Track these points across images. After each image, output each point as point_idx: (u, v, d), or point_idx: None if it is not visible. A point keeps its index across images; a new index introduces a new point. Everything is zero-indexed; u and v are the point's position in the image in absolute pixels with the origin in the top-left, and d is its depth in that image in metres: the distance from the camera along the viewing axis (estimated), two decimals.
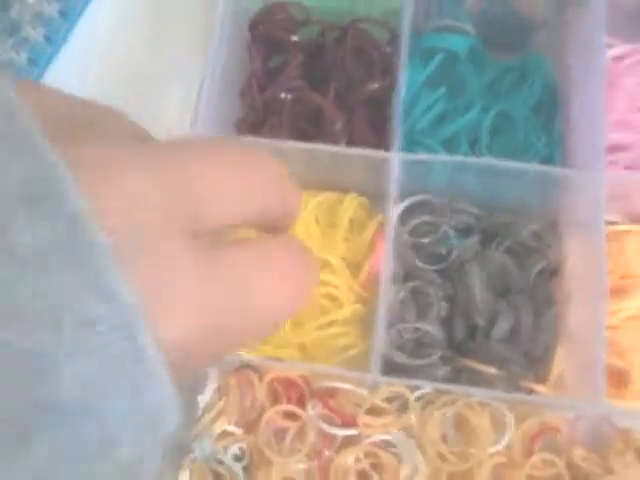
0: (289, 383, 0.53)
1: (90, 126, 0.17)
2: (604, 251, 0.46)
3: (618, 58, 0.54)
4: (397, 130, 0.49)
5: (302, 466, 0.50)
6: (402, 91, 0.50)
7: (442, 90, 0.56)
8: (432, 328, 0.50)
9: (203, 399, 0.51)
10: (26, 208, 0.13)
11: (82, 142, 0.15)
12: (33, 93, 0.17)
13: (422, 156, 0.50)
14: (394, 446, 0.51)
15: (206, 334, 0.16)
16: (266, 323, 0.19)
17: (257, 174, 0.19)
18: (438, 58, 0.57)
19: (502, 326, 0.49)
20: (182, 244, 0.16)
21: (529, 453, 0.51)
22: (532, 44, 0.58)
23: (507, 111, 0.55)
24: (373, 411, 0.51)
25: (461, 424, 0.52)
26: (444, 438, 0.52)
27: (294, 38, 0.58)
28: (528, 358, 0.50)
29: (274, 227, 0.21)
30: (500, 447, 0.51)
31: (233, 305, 0.17)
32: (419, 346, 0.51)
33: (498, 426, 0.51)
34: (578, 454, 0.50)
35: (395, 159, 0.48)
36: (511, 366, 0.49)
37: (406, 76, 0.53)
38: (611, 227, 0.53)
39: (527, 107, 0.56)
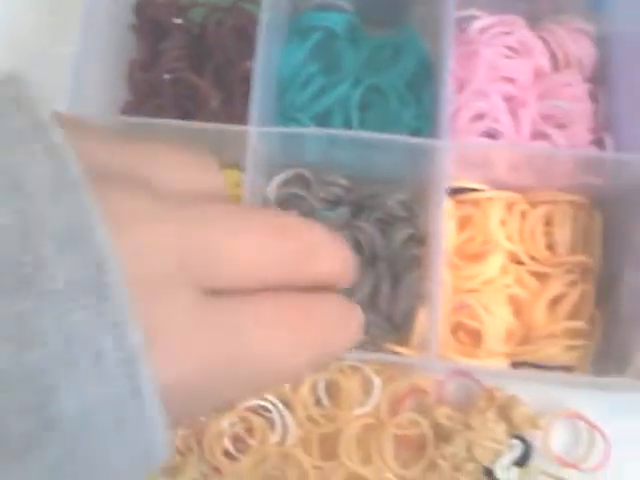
0: None
1: (124, 176, 0.18)
2: (444, 217, 0.48)
3: (483, 29, 0.56)
4: (256, 104, 0.50)
5: (180, 432, 0.53)
6: (263, 67, 0.51)
7: (316, 66, 0.58)
8: None
9: None
10: (61, 246, 0.14)
11: (112, 191, 0.16)
12: (77, 133, 0.17)
13: (281, 129, 0.52)
14: (269, 411, 0.53)
15: (203, 379, 0.17)
16: (267, 372, 0.19)
17: (289, 241, 0.19)
18: (315, 36, 0.59)
19: (362, 291, 0.51)
20: (191, 295, 0.17)
21: (396, 414, 0.53)
22: (409, 20, 0.60)
23: (378, 85, 0.56)
24: None
25: (335, 389, 0.54)
26: (318, 402, 0.54)
27: (177, 21, 0.60)
28: (389, 322, 0.52)
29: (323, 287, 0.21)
30: (368, 409, 0.53)
31: (232, 352, 0.17)
32: None
33: (369, 390, 0.53)
34: (442, 413, 0.52)
35: (253, 132, 0.50)
36: (373, 329, 0.51)
37: (276, 53, 0.55)
38: (475, 194, 0.55)
39: (401, 81, 0.57)
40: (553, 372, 0.52)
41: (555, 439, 0.54)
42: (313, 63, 0.58)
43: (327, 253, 0.20)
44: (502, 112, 0.54)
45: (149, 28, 0.61)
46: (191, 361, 0.16)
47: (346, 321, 0.21)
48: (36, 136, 0.15)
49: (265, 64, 0.52)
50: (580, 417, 0.54)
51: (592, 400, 0.54)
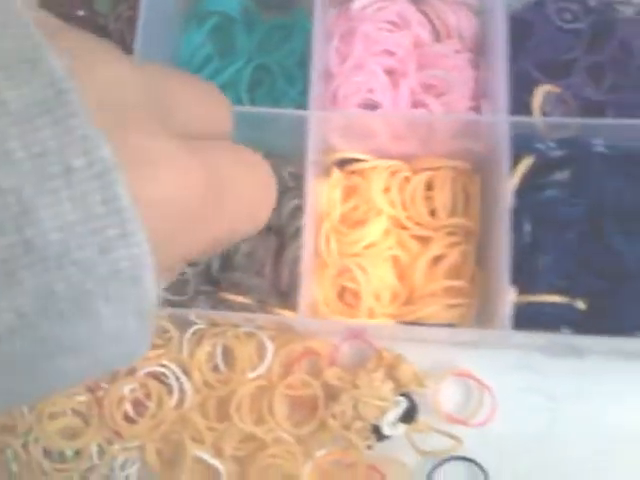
0: None
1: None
2: (313, 186, 0.50)
3: (365, 6, 0.58)
4: None
5: (82, 398, 0.55)
6: (145, 51, 0.54)
7: (212, 49, 0.60)
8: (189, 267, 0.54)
9: None
10: (10, 75, 0.14)
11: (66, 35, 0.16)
12: None
13: None
14: (168, 377, 0.56)
15: (181, 208, 0.16)
16: (241, 214, 0.19)
17: (203, 93, 0.21)
18: (212, 20, 0.61)
19: (252, 259, 0.54)
20: (164, 130, 0.16)
21: (287, 376, 0.55)
22: (300, 2, 0.62)
23: (267, 65, 0.59)
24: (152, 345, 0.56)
25: (231, 355, 0.56)
26: (216, 368, 0.56)
27: (80, 12, 0.63)
28: (275, 288, 0.54)
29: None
30: (261, 371, 0.55)
31: (211, 186, 0.17)
32: (183, 283, 0.55)
33: (264, 354, 0.56)
34: (332, 374, 0.54)
35: None
36: (260, 296, 0.54)
37: (168, 38, 0.58)
38: (359, 164, 0.57)
39: (291, 60, 0.60)
40: (439, 329, 0.54)
41: (445, 396, 0.56)
42: (209, 46, 0.61)
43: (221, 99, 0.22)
44: (381, 84, 0.56)
45: None
46: (172, 183, 0.16)
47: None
48: None
49: (147, 48, 0.55)
50: (468, 375, 0.56)
51: (481, 358, 0.56)
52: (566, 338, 0.50)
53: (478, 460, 0.54)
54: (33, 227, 0.14)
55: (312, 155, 0.53)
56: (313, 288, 0.55)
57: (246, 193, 0.19)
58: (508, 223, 0.48)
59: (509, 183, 0.50)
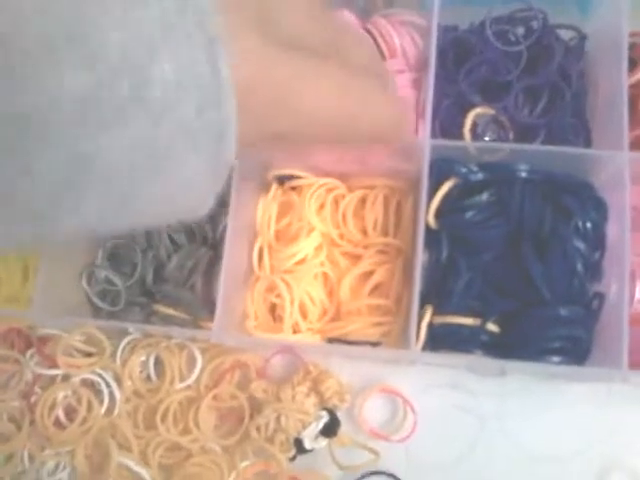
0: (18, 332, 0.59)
1: None
2: (235, 202, 0.51)
3: None
4: None
5: (17, 404, 0.57)
6: None
7: None
8: (119, 277, 0.56)
9: None
10: None
11: None
12: None
13: None
14: (100, 385, 0.57)
15: (266, 91, 0.19)
16: (319, 112, 0.22)
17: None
18: None
19: (181, 272, 0.55)
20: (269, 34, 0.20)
21: (215, 388, 0.56)
22: None
23: None
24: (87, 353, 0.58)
25: (163, 365, 0.57)
26: (148, 378, 0.58)
27: None
28: (206, 302, 0.55)
29: None
30: (190, 382, 0.56)
31: (295, 82, 0.20)
32: (117, 294, 0.57)
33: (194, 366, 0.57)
34: (258, 386, 0.55)
35: None
36: (191, 309, 0.55)
37: None
38: (297, 181, 0.58)
39: None
40: (358, 347, 0.54)
41: (371, 412, 0.57)
42: None
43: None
44: None
45: None
46: (258, 69, 0.19)
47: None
48: None
49: None
50: (393, 391, 0.57)
51: (409, 375, 0.57)
52: (477, 360, 0.51)
53: (399, 475, 0.55)
54: (154, 67, 0.16)
55: (242, 171, 0.54)
56: (244, 303, 0.56)
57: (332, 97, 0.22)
58: (422, 244, 0.48)
59: (428, 204, 0.50)
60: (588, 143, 0.56)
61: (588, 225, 0.50)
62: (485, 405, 0.56)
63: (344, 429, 0.56)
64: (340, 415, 0.56)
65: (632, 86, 0.57)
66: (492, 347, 0.50)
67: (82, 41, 0.15)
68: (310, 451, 0.55)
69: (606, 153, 0.50)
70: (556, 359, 0.49)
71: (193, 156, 0.17)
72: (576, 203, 0.51)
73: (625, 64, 0.51)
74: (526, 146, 0.52)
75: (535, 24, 0.58)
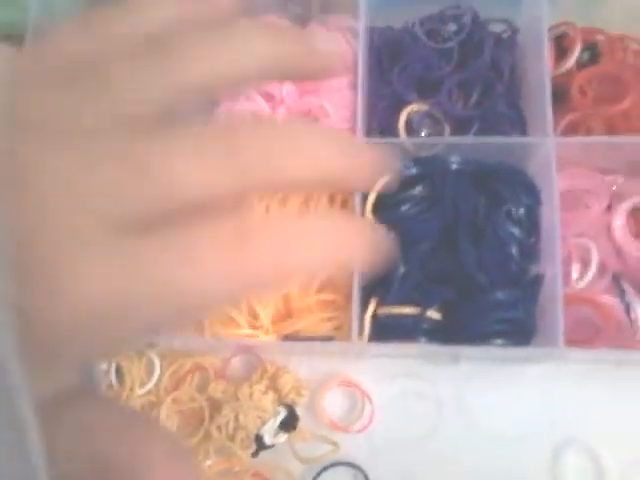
0: None
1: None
2: None
3: None
4: None
5: None
6: None
7: None
8: None
9: None
10: None
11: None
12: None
13: None
14: None
15: (104, 308, 0.16)
16: (169, 304, 0.17)
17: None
18: None
19: None
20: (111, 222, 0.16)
21: (175, 391, 0.58)
22: None
23: None
24: None
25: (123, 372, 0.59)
26: (110, 386, 0.59)
27: None
28: None
29: None
30: (150, 387, 0.58)
31: (136, 279, 0.16)
32: None
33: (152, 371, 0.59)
34: (216, 387, 0.57)
35: None
36: None
37: None
38: None
39: None
40: (309, 342, 0.56)
41: (330, 405, 0.58)
42: None
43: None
44: (261, 109, 0.59)
45: None
46: (96, 283, 0.16)
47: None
48: None
49: None
50: (350, 383, 0.58)
51: (366, 367, 0.59)
52: (425, 348, 0.53)
53: (360, 464, 0.57)
54: None
55: None
56: None
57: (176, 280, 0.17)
58: None
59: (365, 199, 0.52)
60: (524, 132, 0.58)
61: (521, 210, 0.52)
62: (441, 391, 0.58)
63: (305, 423, 0.57)
64: (300, 410, 0.57)
65: (563, 74, 0.59)
66: (436, 334, 0.52)
67: None
68: (271, 446, 0.56)
69: (533, 140, 0.52)
70: (499, 342, 0.51)
71: None
72: (508, 190, 0.52)
73: (545, 53, 0.53)
74: (458, 138, 0.54)
75: (466, 20, 0.60)
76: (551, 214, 0.51)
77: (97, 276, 0.16)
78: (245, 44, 0.19)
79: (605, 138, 0.54)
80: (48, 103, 0.17)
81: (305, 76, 0.21)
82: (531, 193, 0.52)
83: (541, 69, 0.55)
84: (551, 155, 0.51)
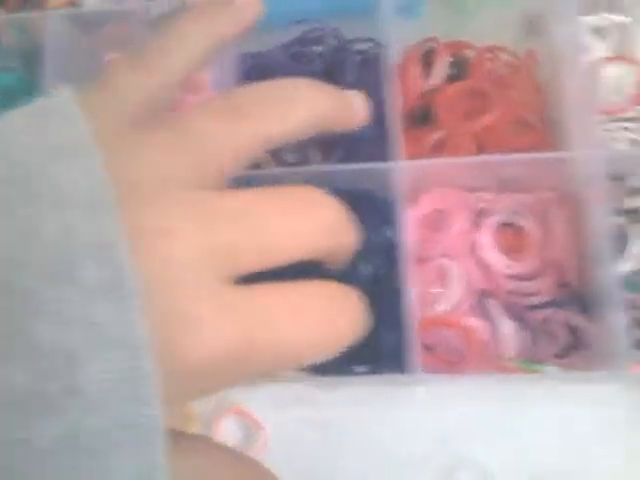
0: None
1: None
2: None
3: None
4: None
5: None
6: None
7: None
8: None
9: None
10: (89, 253, 0.16)
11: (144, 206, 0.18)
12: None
13: None
14: None
15: (225, 359, 0.17)
16: (286, 358, 0.19)
17: (311, 217, 0.21)
18: None
19: None
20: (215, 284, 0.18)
21: None
22: None
23: None
24: None
25: None
26: None
27: None
28: None
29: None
30: None
31: (255, 337, 0.18)
32: None
33: None
34: None
35: None
36: None
37: None
38: None
39: None
40: None
41: (223, 434, 0.59)
42: None
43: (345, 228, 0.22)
44: None
45: None
46: (214, 339, 0.17)
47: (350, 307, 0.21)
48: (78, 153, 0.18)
49: None
50: (242, 412, 0.58)
51: (259, 394, 0.59)
52: (300, 376, 0.53)
53: None
54: (79, 374, 0.16)
55: None
56: None
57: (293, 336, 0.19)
58: None
59: None
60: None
61: (378, 236, 0.52)
62: (333, 416, 0.58)
63: None
64: None
65: (433, 91, 0.58)
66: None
67: (19, 339, 0.16)
68: None
69: (380, 166, 0.52)
70: (361, 369, 0.51)
71: (117, 456, 0.16)
72: (367, 217, 0.52)
73: (383, 74, 0.53)
74: (317, 167, 0.54)
75: (332, 41, 0.60)
76: (402, 238, 0.50)
77: (229, 322, 0.17)
78: (306, 103, 0.23)
79: (448, 160, 0.53)
80: (141, 160, 0.19)
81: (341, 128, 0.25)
82: (388, 219, 0.52)
83: (397, 90, 0.55)
84: (400, 180, 0.51)
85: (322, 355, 0.20)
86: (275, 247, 0.20)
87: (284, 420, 0.58)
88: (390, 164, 0.51)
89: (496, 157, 0.52)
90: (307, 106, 0.23)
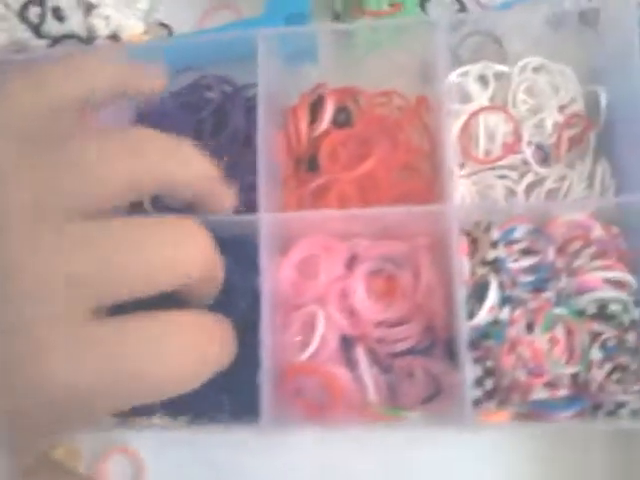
0: None
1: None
2: None
3: None
4: None
5: None
6: None
7: None
8: None
9: None
10: None
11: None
12: None
13: None
14: None
15: (87, 389, 0.18)
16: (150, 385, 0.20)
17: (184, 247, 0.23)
18: None
19: None
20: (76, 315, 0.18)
21: None
22: None
23: None
24: None
25: None
26: None
27: None
28: None
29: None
30: None
31: (110, 366, 0.18)
32: None
33: None
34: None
35: None
36: None
37: None
38: None
39: None
40: None
41: (108, 474, 0.60)
42: None
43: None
44: None
45: None
46: (70, 370, 0.17)
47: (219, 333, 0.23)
48: None
49: None
50: (129, 452, 0.60)
51: (143, 435, 0.60)
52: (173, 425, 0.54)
53: None
54: None
55: None
56: None
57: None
58: None
59: None
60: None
61: (245, 281, 0.53)
62: (218, 458, 0.59)
63: None
64: None
65: (315, 138, 0.60)
66: (172, 411, 0.53)
67: None
68: None
69: (249, 217, 0.52)
70: (223, 416, 0.52)
71: None
72: (233, 259, 0.53)
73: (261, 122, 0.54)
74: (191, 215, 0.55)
75: (226, 87, 0.61)
76: (270, 284, 0.51)
77: (86, 354, 0.17)
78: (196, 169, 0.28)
79: (314, 212, 0.54)
80: (21, 178, 0.19)
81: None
82: (254, 268, 0.53)
83: (282, 136, 0.56)
84: (266, 231, 0.52)
85: (189, 383, 0.21)
86: (145, 275, 0.20)
87: (169, 460, 0.59)
88: (256, 216, 0.52)
89: (364, 211, 0.53)
90: (196, 173, 0.27)
